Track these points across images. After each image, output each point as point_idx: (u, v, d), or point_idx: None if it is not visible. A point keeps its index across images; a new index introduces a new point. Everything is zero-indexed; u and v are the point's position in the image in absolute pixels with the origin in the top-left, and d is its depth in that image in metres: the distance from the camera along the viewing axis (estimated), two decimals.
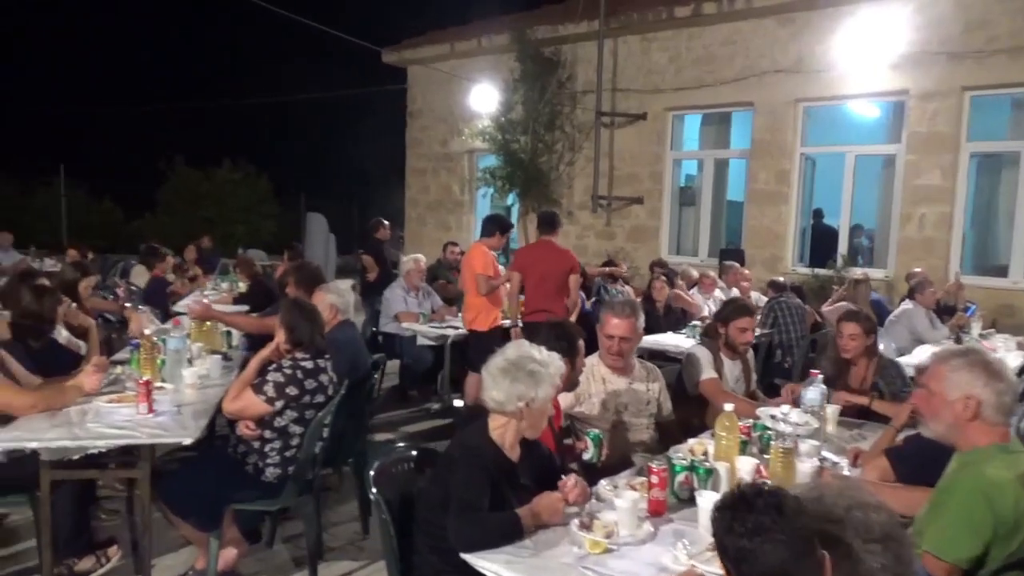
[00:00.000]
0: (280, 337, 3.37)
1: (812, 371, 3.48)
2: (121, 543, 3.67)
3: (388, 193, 16.63)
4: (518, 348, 2.48)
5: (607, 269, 8.28)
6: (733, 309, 4.14)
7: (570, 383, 2.95)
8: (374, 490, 2.40)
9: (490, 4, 13.72)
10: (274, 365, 3.32)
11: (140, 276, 8.35)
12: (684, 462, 2.52)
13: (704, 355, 3.93)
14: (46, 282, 4.10)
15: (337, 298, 4.15)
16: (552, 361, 2.44)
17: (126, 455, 3.24)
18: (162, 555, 3.58)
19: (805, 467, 2.58)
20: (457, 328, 6.54)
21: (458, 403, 6.77)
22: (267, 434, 3.27)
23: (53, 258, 11.92)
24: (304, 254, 10.66)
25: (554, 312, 5.63)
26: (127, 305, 6.10)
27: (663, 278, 7.37)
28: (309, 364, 3.32)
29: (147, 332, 4.39)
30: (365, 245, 9.89)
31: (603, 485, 2.51)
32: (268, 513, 3.66)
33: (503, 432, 2.39)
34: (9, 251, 10.38)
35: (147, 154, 19.07)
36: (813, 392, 3.25)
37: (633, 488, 2.47)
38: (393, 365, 6.76)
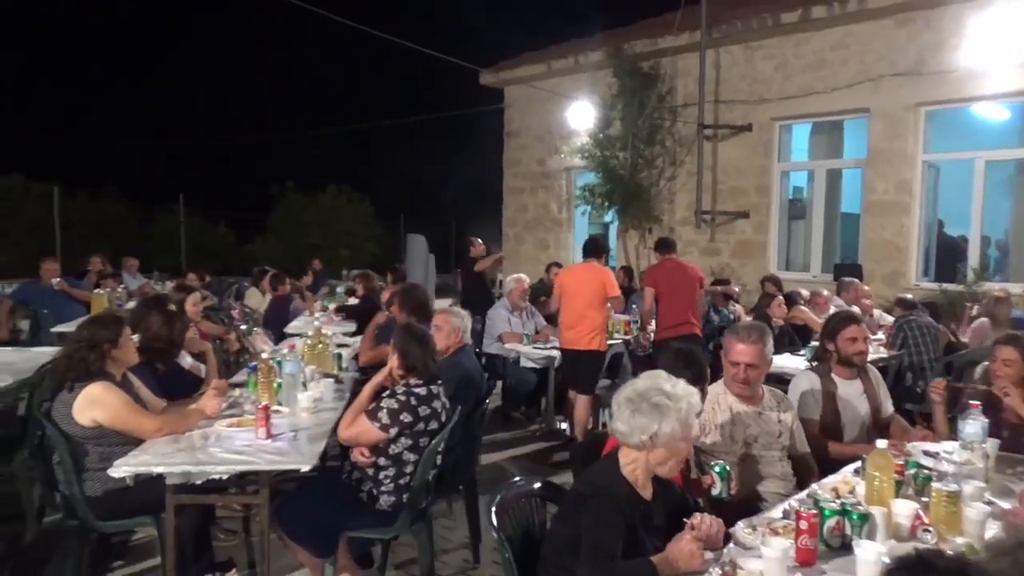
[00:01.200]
0: (393, 363, 3.33)
1: (971, 402, 3.13)
2: (238, 564, 3.72)
3: (486, 213, 16.74)
4: (650, 379, 2.31)
5: (719, 288, 7.96)
6: (838, 320, 3.85)
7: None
8: (495, 523, 2.28)
9: (586, 22, 13.67)
10: (388, 391, 3.28)
11: (253, 298, 8.65)
12: (834, 505, 2.28)
13: (804, 387, 3.67)
14: (174, 308, 4.24)
15: (461, 321, 4.12)
16: (685, 395, 2.26)
17: (245, 479, 3.27)
18: None
19: (972, 513, 2.29)
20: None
21: (563, 426, 6.64)
22: (381, 461, 3.24)
23: (174, 281, 12.58)
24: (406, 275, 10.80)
25: (692, 326, 6.15)
26: (239, 328, 6.31)
27: (781, 296, 6.98)
28: (422, 390, 3.27)
29: (264, 355, 4.49)
30: (463, 264, 9.95)
31: (741, 528, 2.31)
32: (380, 539, 3.62)
33: (634, 468, 2.23)
34: (136, 276, 11.00)
35: (259, 181, 20.00)
36: (973, 426, 2.92)
37: (775, 532, 2.26)
38: (496, 386, 6.70)
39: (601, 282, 6.07)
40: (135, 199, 19.48)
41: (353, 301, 8.31)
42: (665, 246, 6.67)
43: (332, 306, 8.65)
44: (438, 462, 3.39)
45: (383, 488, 3.24)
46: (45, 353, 5.53)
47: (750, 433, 3.16)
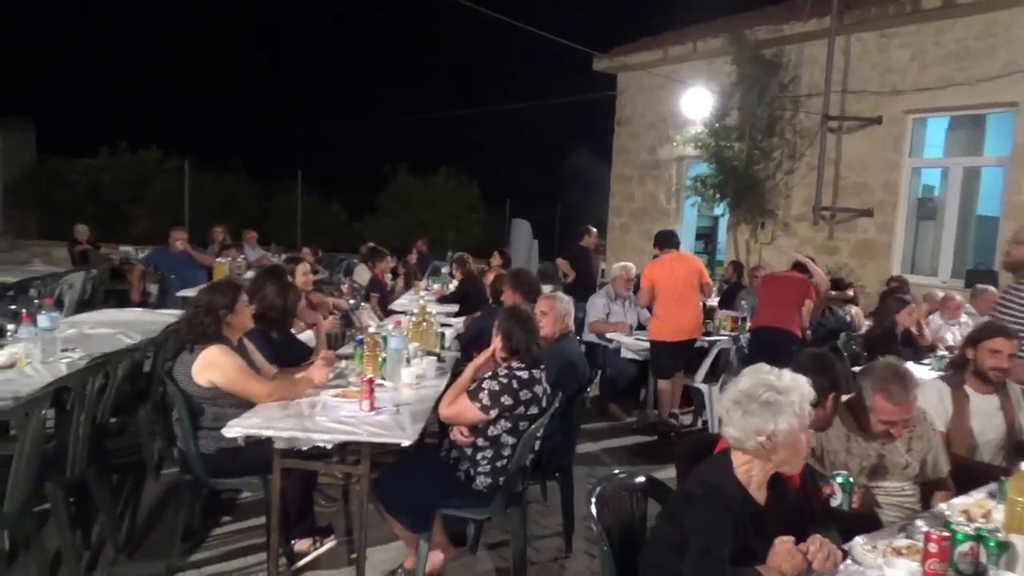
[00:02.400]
0: (496, 344, 3.31)
1: None
2: (336, 531, 3.83)
3: (591, 200, 16.56)
4: (754, 375, 2.16)
5: (835, 293, 7.54)
6: (987, 328, 3.54)
7: (823, 423, 2.58)
8: (594, 514, 2.22)
9: (705, 7, 13.21)
10: (490, 373, 3.27)
11: (361, 274, 8.89)
12: (967, 529, 2.09)
13: (931, 398, 3.35)
14: (289, 279, 4.38)
15: (566, 307, 4.07)
16: (796, 386, 2.10)
17: (347, 448, 3.34)
18: (374, 547, 3.65)
19: None
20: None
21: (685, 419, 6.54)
22: (480, 442, 3.23)
23: (290, 254, 13.13)
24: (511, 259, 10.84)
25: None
26: (348, 302, 6.49)
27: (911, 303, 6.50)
28: (524, 374, 3.23)
29: (370, 329, 4.59)
30: (567, 250, 9.87)
31: (860, 544, 2.15)
32: (474, 519, 3.63)
33: (748, 469, 2.10)
34: (255, 248, 11.54)
35: (372, 161, 20.57)
36: None
37: (898, 552, 2.09)
38: (596, 375, 6.64)
39: (697, 270, 6.15)
40: (258, 175, 20.47)
41: (452, 287, 8.43)
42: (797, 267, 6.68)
43: (437, 286, 8.79)
44: (536, 447, 3.35)
45: (480, 469, 3.24)
46: (171, 315, 5.88)
47: (865, 466, 2.83)
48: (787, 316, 6.19)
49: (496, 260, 8.55)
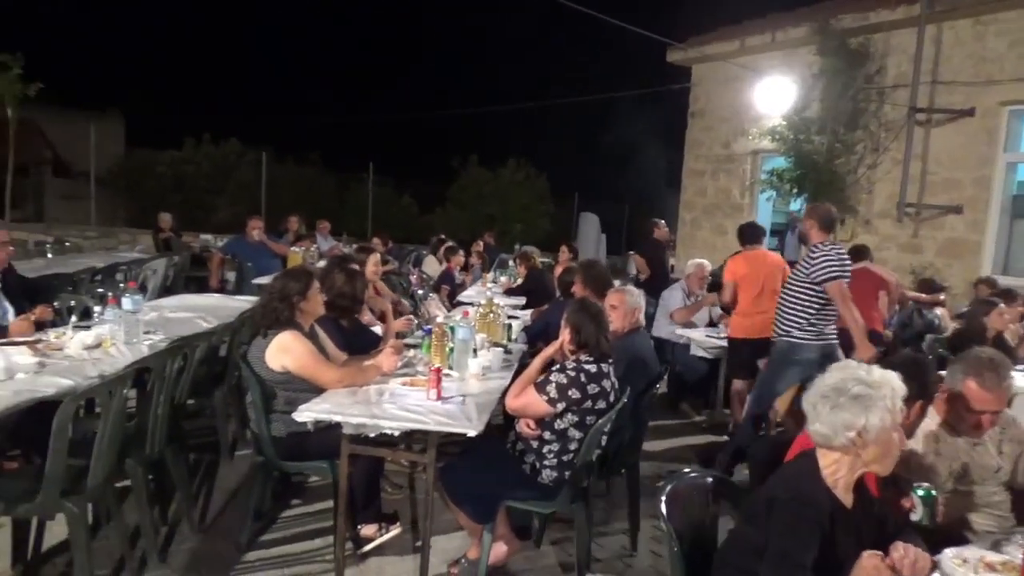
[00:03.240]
0: (565, 337, 3.27)
1: None
2: (401, 518, 3.86)
3: (660, 194, 16.30)
4: (842, 370, 2.06)
5: (925, 297, 7.20)
6: None
7: (906, 431, 2.43)
8: (664, 514, 2.15)
9: None
10: (557, 366, 3.22)
11: (430, 265, 8.97)
12: None
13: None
14: (354, 267, 4.43)
15: (636, 301, 4.00)
16: (886, 381, 1.98)
17: (414, 436, 3.35)
18: (438, 536, 3.66)
19: None
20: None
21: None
22: (546, 435, 3.19)
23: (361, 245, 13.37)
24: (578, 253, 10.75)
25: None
26: (417, 292, 6.53)
27: (1002, 304, 6.16)
28: (593, 368, 3.18)
29: (438, 319, 4.61)
30: (640, 246, 9.72)
31: (949, 557, 2.01)
32: (538, 513, 3.60)
33: (835, 471, 1.99)
34: (327, 238, 11.79)
35: (443, 154, 20.80)
36: None
37: (991, 568, 1.95)
38: (665, 371, 6.51)
39: (780, 267, 5.90)
40: (333, 167, 20.95)
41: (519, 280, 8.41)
42: (857, 254, 6.33)
43: (504, 279, 8.78)
44: (603, 442, 3.29)
45: (546, 462, 3.20)
46: (247, 301, 6.05)
47: (955, 468, 2.70)
48: (866, 314, 5.92)
49: (564, 254, 8.49)
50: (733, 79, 12.45)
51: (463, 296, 7.58)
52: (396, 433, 3.05)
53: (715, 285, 7.30)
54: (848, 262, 4.93)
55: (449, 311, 6.49)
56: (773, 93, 11.37)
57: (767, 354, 5.99)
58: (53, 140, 20.00)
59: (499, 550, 3.40)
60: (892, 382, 2.00)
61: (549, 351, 3.34)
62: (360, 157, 19.52)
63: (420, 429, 3.03)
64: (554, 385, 3.12)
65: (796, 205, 11.46)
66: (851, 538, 1.96)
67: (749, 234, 6.17)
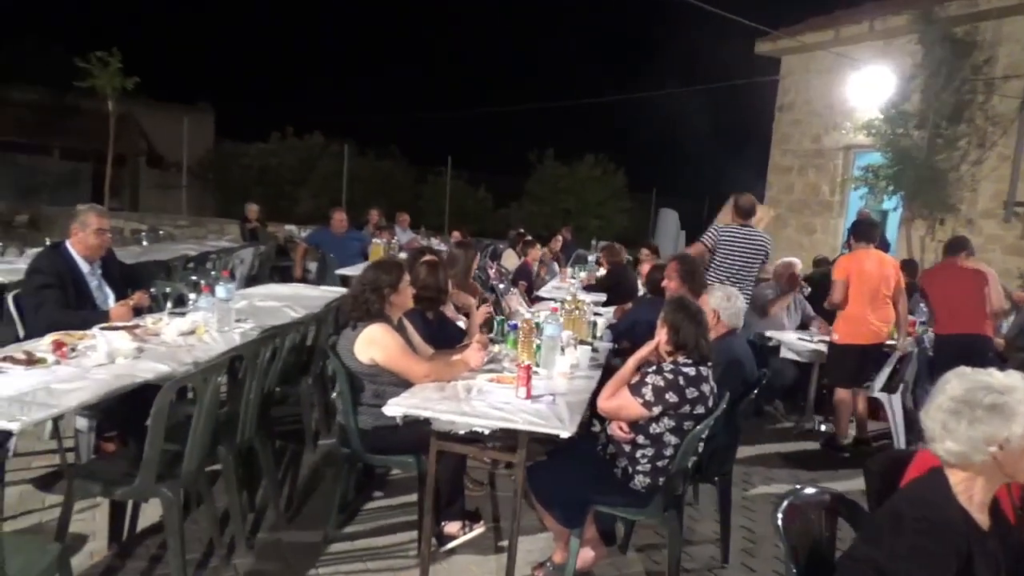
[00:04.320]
0: (662, 337, 3.12)
1: None
2: (483, 516, 3.79)
3: (743, 191, 15.78)
4: (961, 379, 1.84)
5: None
6: None
7: None
8: (782, 532, 2.00)
9: None
10: (654, 367, 3.08)
11: (509, 259, 8.91)
12: None
13: None
14: (435, 258, 4.38)
15: (723, 302, 3.81)
16: (1016, 383, 1.77)
17: (500, 434, 3.26)
18: (522, 536, 3.56)
19: None
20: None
21: (824, 427, 6.04)
22: (640, 439, 3.06)
23: (438, 238, 13.46)
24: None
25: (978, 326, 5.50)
26: (498, 287, 6.47)
27: None
28: (691, 371, 3.02)
29: (524, 315, 4.52)
30: None
31: None
32: (625, 518, 3.47)
33: (969, 488, 1.79)
34: (406, 230, 11.89)
35: (520, 148, 20.73)
36: None
37: None
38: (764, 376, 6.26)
39: (894, 271, 5.58)
40: (412, 160, 21.16)
41: (601, 272, 8.25)
42: (953, 248, 5.83)
43: (583, 275, 8.64)
44: (699, 449, 3.14)
45: (639, 468, 3.07)
46: (330, 291, 6.11)
47: None
48: (975, 317, 5.52)
49: (646, 255, 8.27)
50: (825, 71, 11.96)
51: (543, 291, 7.49)
52: (485, 431, 2.97)
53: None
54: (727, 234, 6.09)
55: (530, 306, 6.40)
56: (869, 85, 10.86)
57: (874, 362, 5.67)
58: (148, 132, 20.88)
59: (586, 555, 3.29)
60: (1020, 381, 1.79)
61: (644, 351, 3.19)
62: (438, 151, 19.67)
63: (511, 428, 2.94)
64: (650, 387, 2.98)
65: (892, 203, 10.91)
66: (990, 566, 1.76)
67: (862, 231, 5.78)
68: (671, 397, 2.96)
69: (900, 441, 5.58)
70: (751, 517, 4.27)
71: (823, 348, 5.80)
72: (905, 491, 1.89)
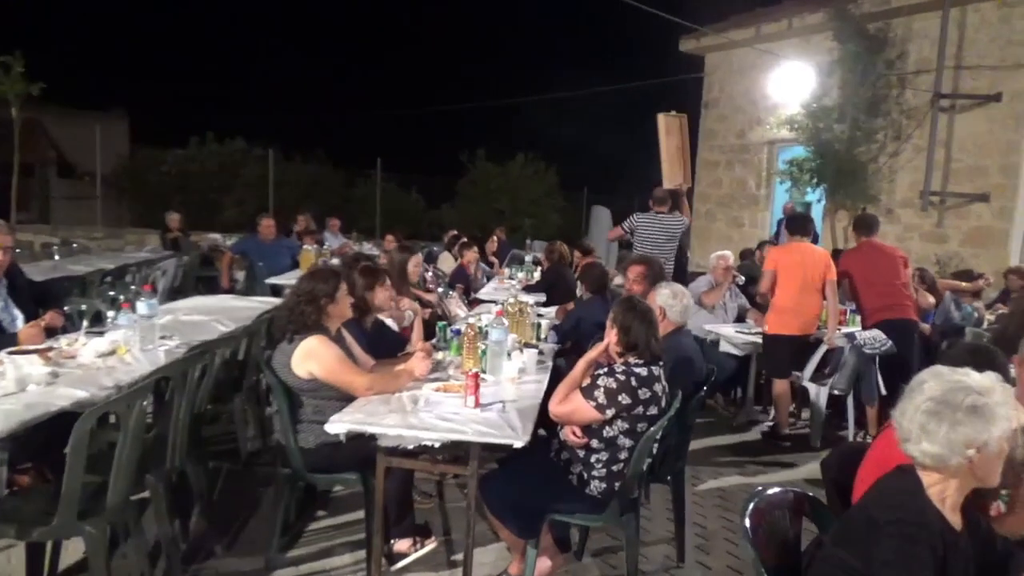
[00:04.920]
0: (612, 338, 3.06)
1: None
2: (433, 529, 3.66)
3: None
4: (937, 377, 1.81)
5: (964, 285, 6.96)
6: None
7: None
8: (750, 536, 1.95)
9: None
10: (605, 369, 3.01)
11: (445, 262, 8.76)
12: None
13: None
14: (371, 265, 4.22)
15: (670, 299, 3.78)
16: (993, 383, 1.75)
17: (450, 446, 3.14)
18: (475, 548, 3.47)
19: None
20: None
21: (765, 419, 6.12)
22: (594, 444, 2.98)
23: (371, 242, 13.18)
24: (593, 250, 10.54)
25: (905, 309, 5.61)
26: (437, 291, 6.32)
27: None
28: (643, 371, 2.97)
29: (462, 317, 4.40)
30: None
31: None
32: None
33: (942, 490, 1.76)
34: (337, 235, 11.59)
35: (450, 149, 20.53)
36: None
37: None
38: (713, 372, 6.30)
39: (824, 263, 5.58)
40: (340, 164, 20.70)
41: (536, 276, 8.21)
42: (865, 226, 5.94)
43: (521, 275, 8.57)
44: (654, 450, 3.09)
45: (595, 473, 2.99)
46: (260, 302, 5.85)
47: None
48: (901, 300, 5.65)
49: (579, 257, 8.24)
50: (748, 68, 12.22)
51: (482, 293, 7.39)
52: (436, 444, 2.84)
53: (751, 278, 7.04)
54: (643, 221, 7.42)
55: (469, 310, 6.29)
56: (790, 81, 11.17)
57: (806, 353, 5.76)
58: (57, 140, 19.83)
59: (543, 565, 3.21)
60: (999, 382, 1.78)
61: (593, 353, 3.12)
62: (366, 153, 19.30)
63: (462, 440, 2.82)
64: (602, 390, 2.91)
65: (815, 195, 11.22)
66: (963, 564, 1.75)
67: (796, 225, 5.87)
68: (624, 399, 2.90)
69: (816, 434, 5.63)
70: (703, 514, 4.27)
71: (759, 340, 5.87)
72: (877, 493, 1.85)
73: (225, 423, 4.56)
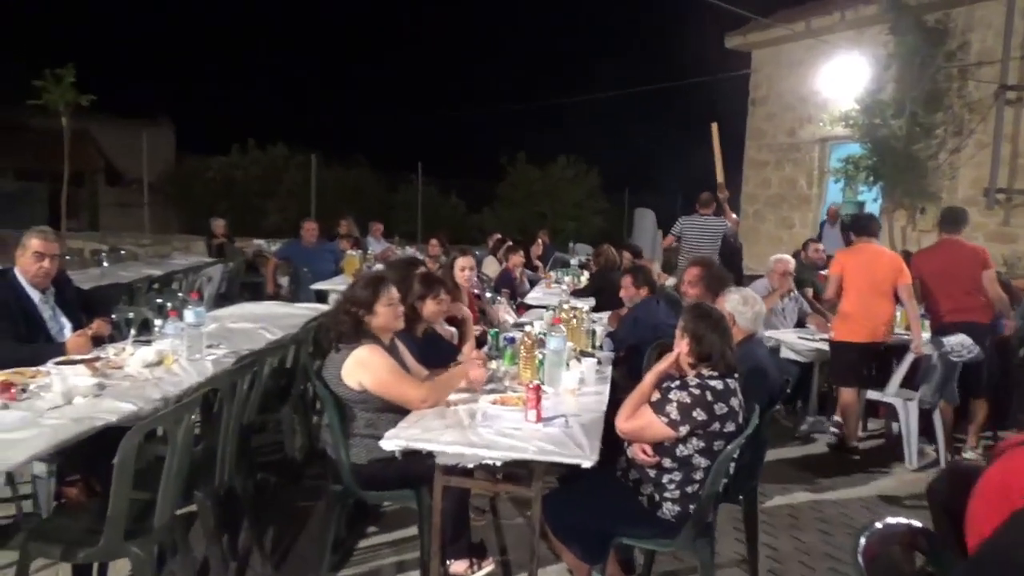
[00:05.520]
0: (683, 348, 2.84)
1: None
2: (489, 548, 3.48)
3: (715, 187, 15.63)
4: None
5: None
6: None
7: None
8: (862, 569, 1.73)
9: None
10: (677, 382, 2.79)
11: (490, 266, 8.60)
12: None
13: None
14: (431, 274, 4.07)
15: (740, 305, 3.54)
16: None
17: (511, 463, 2.96)
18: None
19: None
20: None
21: (833, 430, 5.79)
22: (667, 463, 2.77)
23: (414, 247, 13.10)
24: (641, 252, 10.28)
25: (975, 312, 5.25)
26: (484, 296, 6.16)
27: None
28: (719, 384, 2.75)
29: (511, 323, 4.22)
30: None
31: None
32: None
33: None
34: (380, 240, 11.52)
35: (490, 152, 20.43)
36: None
37: None
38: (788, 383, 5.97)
39: (894, 267, 5.26)
40: (381, 169, 20.73)
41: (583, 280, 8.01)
42: (950, 222, 5.50)
43: (568, 279, 8.36)
44: (731, 470, 2.87)
45: (667, 494, 2.78)
46: (306, 308, 5.76)
47: None
48: (972, 302, 5.27)
49: (630, 258, 8.02)
50: (797, 63, 11.88)
51: (529, 298, 7.20)
52: (497, 463, 2.66)
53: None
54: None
55: (518, 315, 6.11)
56: (843, 76, 10.80)
57: (874, 360, 5.44)
58: (105, 149, 20.21)
59: None
60: None
61: (663, 364, 2.91)
62: (407, 158, 19.29)
63: (526, 459, 2.63)
64: (675, 405, 2.70)
65: (872, 194, 10.82)
66: None
67: (861, 226, 5.57)
68: (699, 415, 2.68)
69: (912, 453, 5.22)
70: (772, 533, 4.01)
71: (824, 347, 5.58)
72: (1014, 530, 1.62)
73: (273, 432, 4.45)
